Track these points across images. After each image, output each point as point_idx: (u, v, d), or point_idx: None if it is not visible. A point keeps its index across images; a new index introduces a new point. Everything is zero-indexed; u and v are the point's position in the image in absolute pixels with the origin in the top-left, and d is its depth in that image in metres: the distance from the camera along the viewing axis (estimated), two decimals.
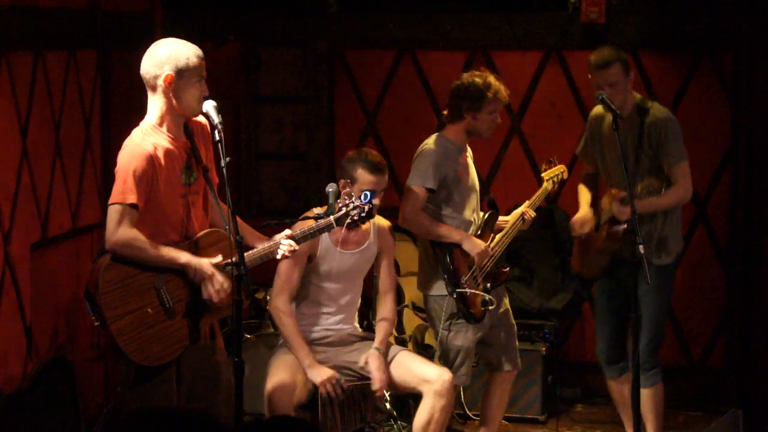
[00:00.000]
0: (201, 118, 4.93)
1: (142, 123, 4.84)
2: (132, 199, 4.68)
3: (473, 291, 5.83)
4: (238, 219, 4.77)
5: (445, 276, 5.83)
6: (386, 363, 5.66)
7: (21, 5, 5.87)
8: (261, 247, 4.97)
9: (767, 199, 7.12)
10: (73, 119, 6.45)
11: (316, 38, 7.70)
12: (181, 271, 4.77)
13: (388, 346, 5.76)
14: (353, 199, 5.19)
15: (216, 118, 4.74)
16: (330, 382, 5.56)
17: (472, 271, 5.86)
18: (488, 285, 5.91)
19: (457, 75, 7.51)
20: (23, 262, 5.90)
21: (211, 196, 4.94)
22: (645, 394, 5.93)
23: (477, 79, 5.89)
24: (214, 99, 4.82)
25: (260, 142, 7.87)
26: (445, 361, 5.88)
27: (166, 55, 4.79)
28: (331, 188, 5.53)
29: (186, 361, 4.87)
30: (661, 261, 5.92)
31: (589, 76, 5.88)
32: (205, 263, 4.78)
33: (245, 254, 4.72)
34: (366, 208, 5.18)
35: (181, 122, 4.84)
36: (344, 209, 5.17)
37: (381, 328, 5.78)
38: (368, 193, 5.23)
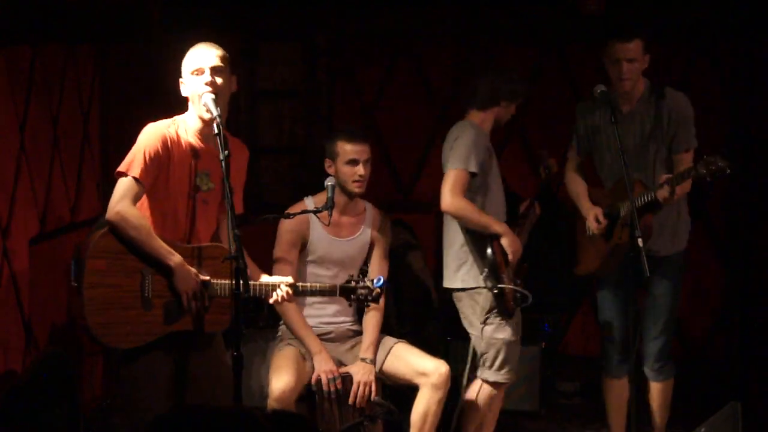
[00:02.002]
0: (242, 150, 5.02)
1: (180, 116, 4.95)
2: (136, 172, 4.75)
3: (514, 287, 5.69)
4: (246, 255, 4.75)
5: (486, 269, 5.68)
6: (372, 371, 5.68)
7: None
8: (258, 282, 4.94)
9: (766, 193, 7.12)
10: (71, 113, 6.45)
11: (315, 32, 7.70)
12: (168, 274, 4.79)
13: (376, 348, 5.75)
14: (366, 278, 5.16)
15: (215, 111, 4.77)
16: (328, 375, 5.59)
17: (508, 265, 5.74)
18: (517, 281, 5.78)
19: (455, 70, 7.55)
20: (22, 257, 5.90)
21: (225, 220, 4.91)
22: (660, 387, 5.93)
23: (519, 74, 5.87)
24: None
25: (259, 136, 7.86)
26: (490, 358, 5.77)
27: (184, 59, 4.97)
28: (330, 182, 5.56)
29: (190, 363, 4.89)
30: (677, 248, 5.87)
31: (605, 57, 5.76)
32: (193, 277, 4.78)
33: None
34: (375, 292, 5.12)
35: (209, 129, 4.82)
36: (352, 283, 5.13)
37: (368, 329, 5.76)
38: (381, 278, 5.17)
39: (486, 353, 5.79)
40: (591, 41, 6.00)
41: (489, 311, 5.73)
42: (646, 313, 5.83)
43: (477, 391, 5.88)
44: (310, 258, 5.75)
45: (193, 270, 4.79)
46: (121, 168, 4.79)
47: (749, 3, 7.05)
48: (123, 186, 4.77)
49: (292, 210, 5.72)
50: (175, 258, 4.75)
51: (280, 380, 5.53)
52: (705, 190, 5.67)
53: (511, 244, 5.68)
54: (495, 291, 5.64)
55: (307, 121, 7.79)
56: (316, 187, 5.86)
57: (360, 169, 5.70)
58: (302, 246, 5.75)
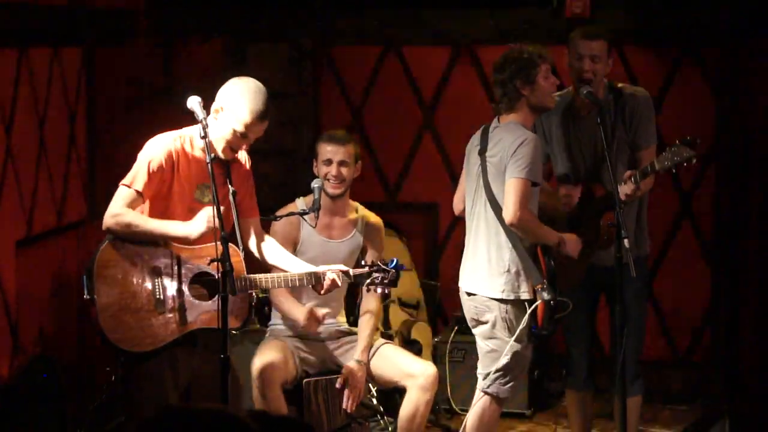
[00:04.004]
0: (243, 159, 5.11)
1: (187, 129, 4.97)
2: (138, 186, 4.82)
3: (564, 299, 5.36)
4: (288, 253, 5.08)
5: (544, 281, 5.32)
6: (364, 376, 5.66)
7: (4, 1, 5.86)
8: (309, 270, 5.05)
9: (752, 194, 7.13)
10: (58, 116, 6.44)
11: (302, 34, 7.69)
12: (178, 273, 4.83)
13: (369, 350, 5.75)
14: (380, 261, 5.14)
15: (201, 114, 4.79)
16: (314, 314, 5.54)
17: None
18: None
19: (442, 71, 7.56)
20: (8, 260, 5.88)
21: (255, 229, 5.11)
22: (635, 401, 5.72)
23: (514, 53, 5.41)
24: (198, 95, 4.88)
25: None
26: (509, 374, 5.47)
27: None
28: (316, 184, 5.59)
29: (187, 366, 4.92)
30: (643, 251, 5.78)
31: (569, 50, 5.67)
32: (201, 222, 4.81)
33: (285, 274, 4.96)
34: (391, 274, 5.08)
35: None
36: (367, 268, 5.11)
37: (364, 332, 5.75)
38: (396, 260, 5.15)
39: (506, 370, 5.45)
40: None
41: (522, 326, 5.37)
42: (615, 325, 5.49)
43: (486, 407, 5.56)
44: (301, 259, 5.75)
45: (198, 222, 4.82)
46: (125, 181, 4.85)
47: (735, 5, 7.06)
48: (121, 195, 4.85)
49: (281, 212, 5.75)
50: (177, 228, 4.82)
51: (263, 357, 5.57)
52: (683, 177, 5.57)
53: (561, 254, 5.40)
54: (552, 303, 5.29)
55: (295, 123, 7.78)
56: (304, 191, 5.87)
57: (332, 170, 5.73)
58: (294, 247, 5.76)
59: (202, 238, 4.86)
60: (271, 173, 7.83)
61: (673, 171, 5.51)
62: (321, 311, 5.57)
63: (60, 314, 6.32)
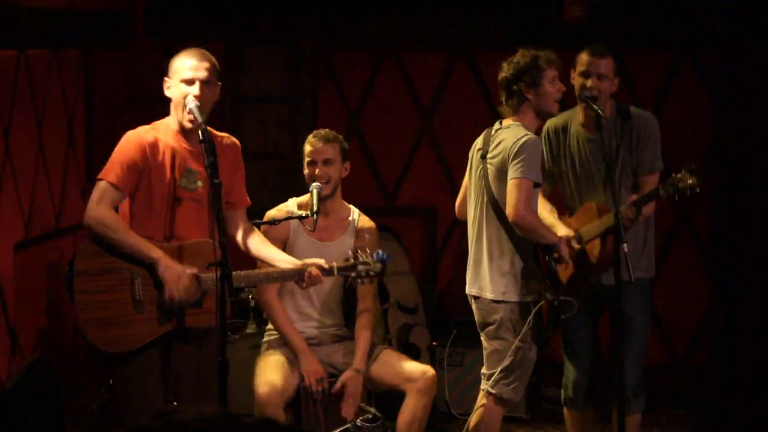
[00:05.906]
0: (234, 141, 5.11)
1: (161, 120, 4.98)
2: (112, 178, 4.80)
3: (567, 298, 5.37)
4: (273, 248, 5.09)
5: (548, 281, 5.32)
6: (361, 384, 5.66)
7: (2, 4, 5.85)
8: (287, 267, 5.03)
9: (750, 199, 7.14)
10: (57, 118, 6.44)
11: (300, 38, 7.69)
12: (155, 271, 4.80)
13: (367, 359, 5.74)
14: (366, 254, 5.14)
15: (199, 118, 4.79)
16: (315, 376, 5.57)
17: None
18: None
19: (440, 75, 7.56)
20: (6, 263, 5.88)
21: (242, 221, 5.12)
22: (634, 420, 5.68)
23: (521, 56, 5.44)
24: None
25: (243, 142, 7.83)
26: (513, 375, 5.47)
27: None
28: (315, 188, 5.57)
29: (184, 359, 4.89)
30: (649, 273, 5.75)
31: (574, 70, 5.65)
32: (177, 269, 4.78)
33: (265, 270, 4.96)
34: (375, 267, 5.10)
35: (193, 129, 4.87)
36: (351, 260, 5.13)
37: (360, 339, 5.74)
38: (380, 251, 5.15)
39: (510, 370, 5.46)
40: (575, 47, 5.97)
41: (526, 327, 5.37)
42: (616, 341, 5.50)
43: (490, 408, 5.56)
44: None
45: (179, 265, 4.80)
46: (100, 174, 4.85)
47: (734, 9, 7.07)
48: (99, 190, 4.83)
49: (275, 211, 5.73)
50: (157, 252, 4.77)
51: (266, 384, 5.53)
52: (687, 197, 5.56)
53: (564, 255, 5.39)
54: (555, 303, 5.30)
55: (292, 126, 7.78)
56: (301, 193, 5.85)
57: (317, 169, 5.69)
58: (283, 248, 5.74)
59: (185, 239, 4.90)
60: (269, 176, 7.84)
61: (676, 198, 5.48)
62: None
63: (58, 317, 6.32)
